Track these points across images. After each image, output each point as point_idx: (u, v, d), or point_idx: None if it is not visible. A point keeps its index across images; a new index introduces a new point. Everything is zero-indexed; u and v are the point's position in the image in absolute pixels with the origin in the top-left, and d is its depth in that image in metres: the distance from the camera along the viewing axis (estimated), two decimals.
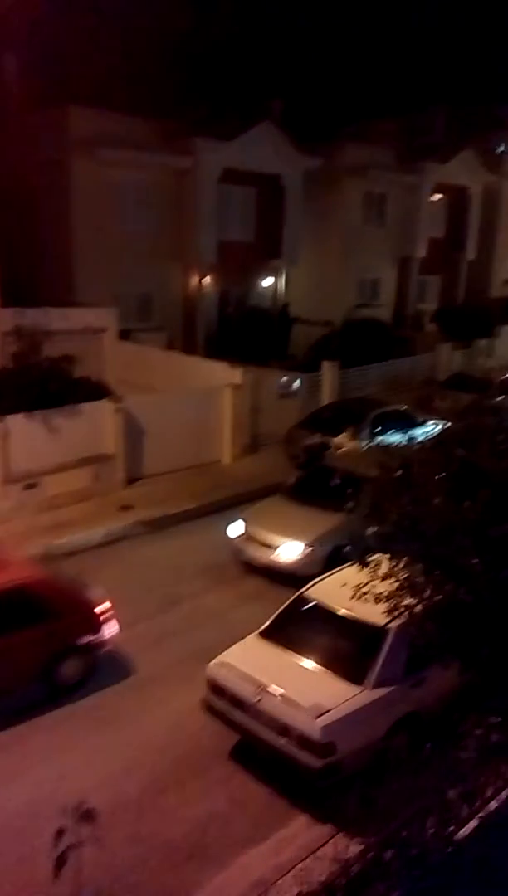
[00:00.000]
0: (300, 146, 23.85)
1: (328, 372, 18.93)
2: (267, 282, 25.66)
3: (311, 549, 10.73)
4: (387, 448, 6.85)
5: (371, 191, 27.23)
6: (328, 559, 10.33)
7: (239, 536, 11.53)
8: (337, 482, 11.26)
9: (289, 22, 29.97)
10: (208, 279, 23.37)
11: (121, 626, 8.78)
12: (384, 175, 26.79)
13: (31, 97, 21.39)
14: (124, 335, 19.69)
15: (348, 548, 9.20)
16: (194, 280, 23.23)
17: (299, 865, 6.16)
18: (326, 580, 8.21)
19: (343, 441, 14.79)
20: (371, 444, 14.28)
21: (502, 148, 31.81)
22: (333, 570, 8.48)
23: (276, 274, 25.68)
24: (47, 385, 13.57)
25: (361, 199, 27.08)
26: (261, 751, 7.04)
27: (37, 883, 5.65)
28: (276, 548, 10.96)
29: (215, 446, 16.32)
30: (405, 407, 16.79)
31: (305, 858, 6.23)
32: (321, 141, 25.36)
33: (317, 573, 9.17)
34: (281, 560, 10.89)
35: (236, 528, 11.63)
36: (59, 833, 2.20)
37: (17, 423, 12.95)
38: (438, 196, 29.17)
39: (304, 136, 24.16)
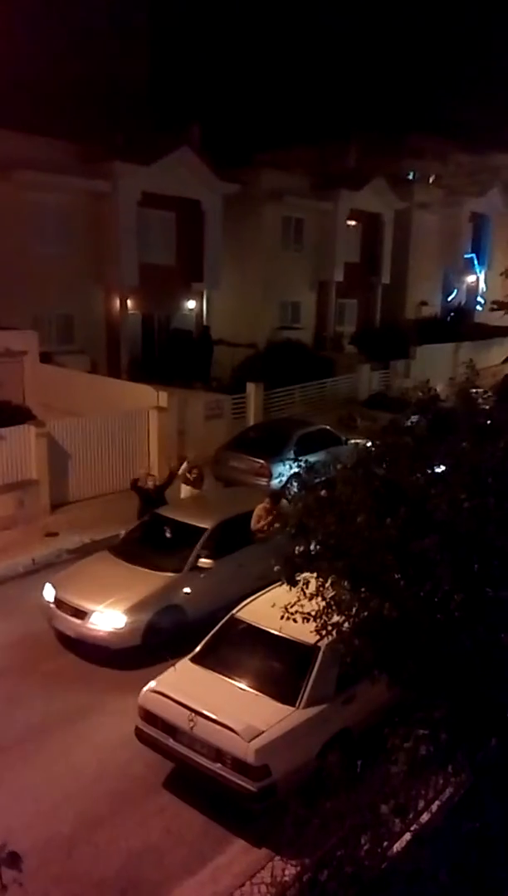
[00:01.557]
0: (219, 171, 24.20)
1: (253, 393, 19.13)
2: (190, 305, 25.78)
3: (128, 617, 9.20)
4: (310, 468, 6.93)
5: (289, 216, 27.87)
6: (149, 629, 9.24)
7: (50, 602, 9.77)
8: (168, 536, 10.52)
9: (208, 50, 30.52)
10: (130, 302, 23.28)
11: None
12: (300, 201, 27.48)
13: None
14: (45, 358, 19.35)
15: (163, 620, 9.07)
16: (116, 303, 23.12)
17: (237, 893, 6.10)
18: (255, 601, 8.24)
19: (185, 471, 12.95)
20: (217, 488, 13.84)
21: (412, 175, 33.16)
22: (262, 591, 8.51)
23: (198, 297, 25.84)
24: None
25: (279, 225, 27.69)
26: (196, 777, 6.97)
27: None
28: (87, 615, 9.28)
29: (142, 470, 16.16)
30: (329, 427, 17.13)
31: (242, 885, 6.17)
32: (239, 166, 25.86)
33: (136, 646, 9.12)
34: (91, 630, 9.26)
35: (48, 592, 9.89)
36: None
37: None
38: (353, 222, 30.08)
39: (222, 162, 24.56)
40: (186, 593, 9.85)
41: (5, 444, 13.50)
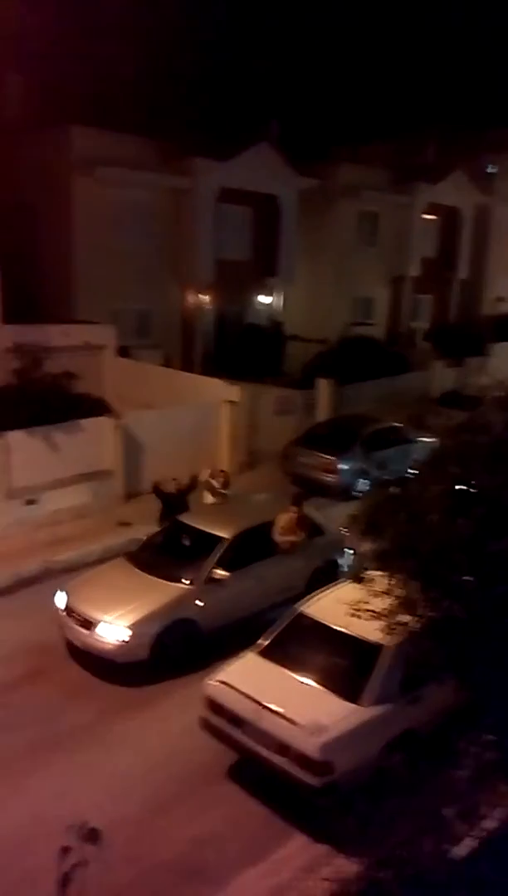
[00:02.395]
0: (296, 166, 24.16)
1: (324, 389, 19.05)
2: (264, 300, 25.87)
3: (134, 630, 8.77)
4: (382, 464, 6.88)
5: (365, 211, 27.56)
6: (157, 643, 8.80)
7: (61, 610, 9.54)
8: (186, 544, 10.16)
9: (286, 44, 30.45)
10: (205, 297, 23.55)
11: None
12: (376, 195, 27.13)
13: (34, 117, 21.66)
14: (123, 352, 19.81)
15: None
16: (192, 298, 23.41)
17: (297, 886, 6.15)
18: (322, 597, 8.25)
19: (208, 478, 12.52)
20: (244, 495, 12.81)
21: (492, 169, 32.23)
22: (328, 587, 8.50)
23: (272, 292, 25.89)
24: (48, 401, 13.65)
25: (355, 219, 27.41)
26: (259, 769, 7.05)
27: None
28: (93, 626, 8.93)
29: (213, 462, 16.38)
30: (400, 424, 16.90)
31: (302, 879, 6.22)
32: (316, 161, 25.72)
33: (142, 660, 8.78)
34: (98, 642, 8.91)
35: (60, 599, 9.68)
36: (64, 851, 2.24)
37: (19, 439, 13.01)
38: (431, 216, 29.49)
39: (300, 157, 24.49)
40: (200, 606, 9.32)
41: (83, 436, 13.91)
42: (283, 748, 6.73)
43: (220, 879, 6.23)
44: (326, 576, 9.96)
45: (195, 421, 16.01)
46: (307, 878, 6.23)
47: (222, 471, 12.57)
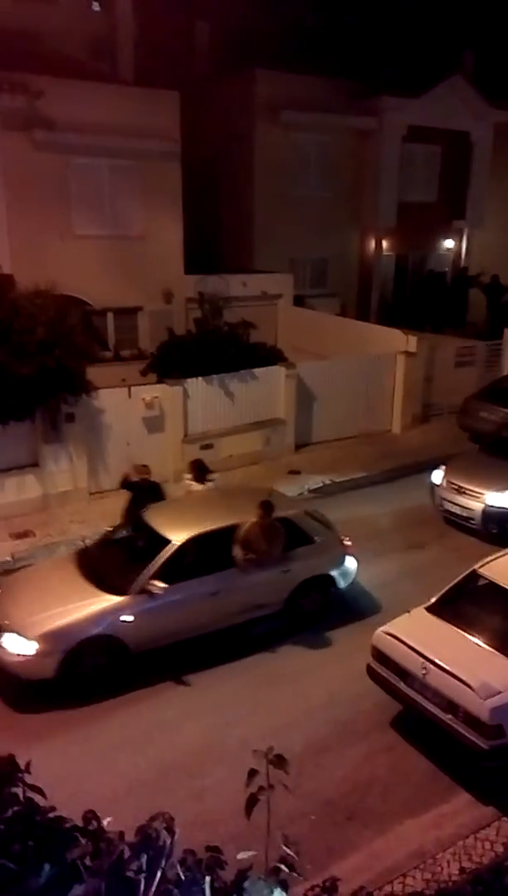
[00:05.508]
0: (492, 101, 22.38)
1: None
2: (449, 245, 24.56)
3: (40, 644, 7.58)
4: None
5: None
6: (66, 660, 7.56)
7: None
8: (139, 545, 8.79)
9: None
10: (385, 243, 22.79)
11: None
12: None
13: (219, 64, 21.75)
14: (298, 301, 19.79)
15: None
16: (371, 244, 22.75)
17: (460, 843, 6.08)
18: (502, 558, 7.87)
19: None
20: None
21: None
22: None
23: (458, 236, 24.50)
24: (226, 350, 14.00)
25: None
26: (425, 723, 6.97)
27: (204, 817, 6.04)
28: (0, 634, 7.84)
29: (386, 415, 16.09)
30: None
31: (466, 836, 6.14)
32: None
33: (47, 678, 7.52)
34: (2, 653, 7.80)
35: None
36: (252, 773, 2.33)
37: (197, 386, 13.51)
38: None
39: (496, 91, 22.62)
40: (126, 622, 7.90)
41: (257, 384, 14.16)
42: (451, 706, 6.59)
43: (382, 825, 6.29)
44: (319, 590, 9.12)
45: (369, 372, 15.73)
46: (471, 836, 6.14)
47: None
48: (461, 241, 24.51)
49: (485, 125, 22.86)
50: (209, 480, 10.32)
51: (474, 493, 11.49)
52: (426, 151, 22.70)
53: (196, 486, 10.25)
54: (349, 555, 9.43)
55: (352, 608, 9.42)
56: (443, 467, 12.25)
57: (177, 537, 8.38)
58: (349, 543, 9.50)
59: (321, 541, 9.27)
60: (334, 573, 9.24)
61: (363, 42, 22.65)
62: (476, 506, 11.40)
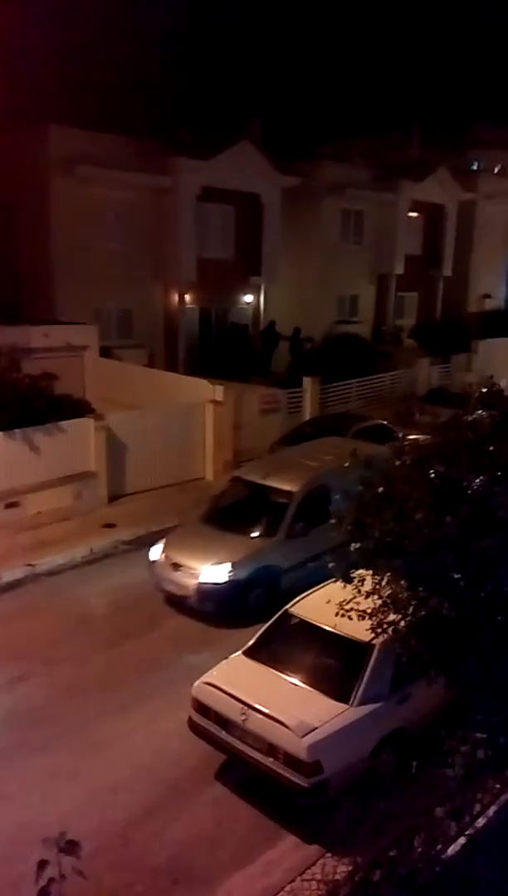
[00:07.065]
0: (278, 164, 24.12)
1: (309, 387, 19.02)
2: (247, 299, 25.80)
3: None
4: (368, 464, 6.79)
5: (349, 209, 27.58)
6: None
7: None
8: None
9: (266, 44, 30.37)
10: (188, 296, 23.44)
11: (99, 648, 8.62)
12: (360, 193, 27.14)
13: (11, 116, 21.41)
14: (105, 352, 19.63)
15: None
16: (175, 297, 23.30)
17: (287, 888, 6.09)
18: (310, 596, 8.18)
19: None
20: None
21: (476, 166, 32.37)
22: (316, 587, 8.43)
23: (256, 291, 25.83)
24: (29, 403, 13.49)
25: (339, 217, 27.42)
26: (247, 771, 6.98)
27: None
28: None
29: (198, 463, 16.30)
30: (386, 422, 16.89)
31: (293, 881, 6.16)
32: (299, 159, 25.72)
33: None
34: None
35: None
36: (41, 865, 2.15)
37: None
38: (415, 214, 29.56)
39: (282, 155, 24.47)
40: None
41: (65, 437, 13.77)
42: (271, 749, 6.66)
43: (209, 883, 6.15)
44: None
45: (179, 421, 15.92)
46: (297, 879, 6.17)
47: None
48: (258, 295, 25.86)
49: (273, 188, 24.49)
50: None
51: (190, 569, 10.40)
52: (221, 211, 23.86)
53: None
54: None
55: None
56: (162, 542, 11.13)
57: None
58: None
59: None
60: None
61: (160, 102, 23.56)
62: (192, 582, 10.29)
